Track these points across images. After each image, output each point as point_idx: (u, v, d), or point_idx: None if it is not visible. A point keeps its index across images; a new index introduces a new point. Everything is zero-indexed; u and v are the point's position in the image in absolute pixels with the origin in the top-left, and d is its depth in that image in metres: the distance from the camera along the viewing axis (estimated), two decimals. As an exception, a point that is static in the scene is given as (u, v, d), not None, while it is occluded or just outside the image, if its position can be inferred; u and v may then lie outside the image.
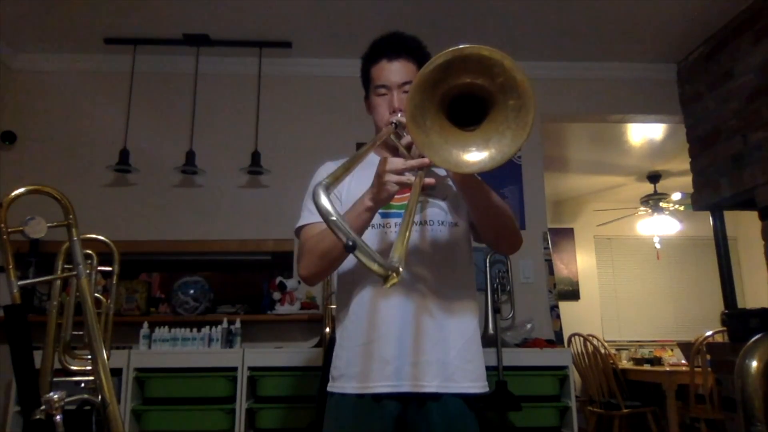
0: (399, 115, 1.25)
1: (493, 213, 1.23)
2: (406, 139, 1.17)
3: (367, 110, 1.40)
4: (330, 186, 0.80)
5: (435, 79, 0.92)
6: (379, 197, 1.09)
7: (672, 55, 3.35)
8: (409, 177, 1.07)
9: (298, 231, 1.32)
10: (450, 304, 1.25)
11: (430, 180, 1.10)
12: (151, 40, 3.13)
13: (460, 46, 0.90)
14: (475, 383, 1.23)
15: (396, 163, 1.07)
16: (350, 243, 0.74)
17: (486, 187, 1.21)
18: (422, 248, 1.26)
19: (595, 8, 2.89)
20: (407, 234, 0.90)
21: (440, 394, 1.19)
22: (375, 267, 0.76)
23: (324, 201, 0.76)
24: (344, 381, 1.23)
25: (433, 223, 1.29)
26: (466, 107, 0.97)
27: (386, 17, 2.90)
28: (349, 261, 1.31)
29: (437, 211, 1.30)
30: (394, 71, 1.29)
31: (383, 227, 1.29)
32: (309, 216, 1.30)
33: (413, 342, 1.21)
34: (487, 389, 1.25)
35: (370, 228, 1.28)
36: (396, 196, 1.30)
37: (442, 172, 1.31)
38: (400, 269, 0.79)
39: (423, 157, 1.05)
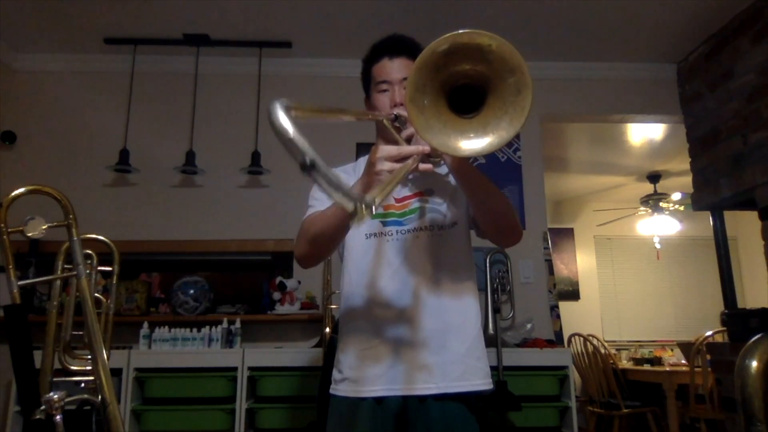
0: (400, 109, 1.25)
1: (492, 202, 1.22)
2: (407, 132, 1.17)
3: (367, 110, 1.41)
4: (290, 108, 0.71)
5: (436, 63, 0.92)
6: (370, 187, 1.03)
7: (672, 55, 3.35)
8: (398, 165, 1.01)
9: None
10: (452, 306, 1.25)
11: (426, 166, 1.04)
12: (151, 40, 3.13)
13: (459, 32, 0.89)
14: (484, 380, 1.24)
15: (389, 149, 1.03)
16: (308, 162, 0.62)
17: (483, 175, 1.20)
18: (422, 254, 1.26)
19: (595, 8, 2.89)
20: (393, 185, 0.83)
21: (444, 394, 1.19)
22: (338, 196, 0.65)
23: (281, 116, 0.66)
24: (346, 384, 1.24)
25: (433, 229, 1.29)
26: (466, 99, 0.97)
27: (386, 17, 2.90)
28: (353, 264, 1.31)
29: (436, 216, 1.30)
30: (395, 68, 1.31)
31: (382, 235, 1.29)
32: (309, 210, 1.32)
33: (416, 346, 1.21)
34: (492, 386, 1.27)
35: (367, 237, 1.29)
36: (396, 204, 1.31)
37: (442, 171, 1.31)
38: (373, 206, 0.68)
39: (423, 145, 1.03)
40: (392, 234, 1.28)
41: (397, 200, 1.32)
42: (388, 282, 1.25)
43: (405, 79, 1.29)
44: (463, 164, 1.14)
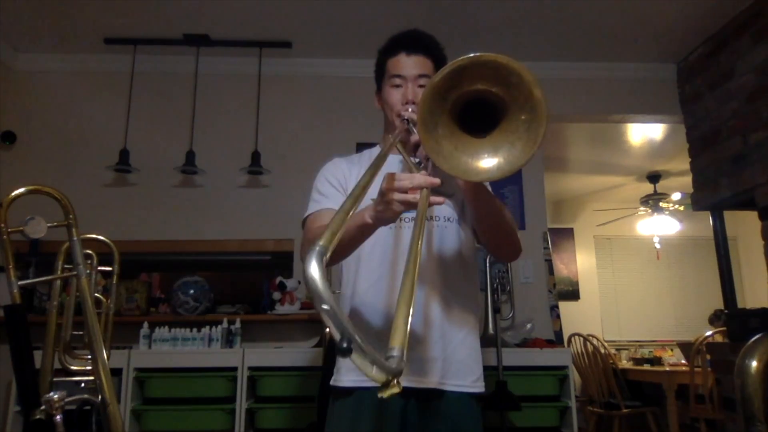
0: (410, 109, 1.24)
1: (496, 222, 1.22)
2: (415, 137, 1.16)
3: (377, 103, 1.40)
4: (326, 250, 0.67)
5: (449, 84, 0.91)
6: (383, 216, 1.02)
7: (672, 55, 3.35)
8: (414, 196, 0.98)
9: (304, 222, 1.31)
10: (455, 301, 1.25)
11: (437, 199, 1.01)
12: (151, 40, 3.13)
13: (478, 54, 0.88)
14: (478, 382, 1.25)
15: (402, 181, 0.99)
16: (344, 345, 0.58)
17: (492, 195, 1.20)
18: (427, 245, 1.25)
19: (595, 9, 2.88)
20: (411, 300, 0.72)
21: (447, 391, 1.19)
22: (372, 374, 0.62)
23: (316, 276, 0.61)
24: (350, 374, 1.22)
25: (439, 219, 1.28)
26: (477, 112, 0.96)
27: (386, 18, 2.90)
28: (352, 259, 1.29)
29: (444, 207, 1.29)
30: (412, 64, 1.29)
31: (397, 221, 1.24)
32: (315, 204, 1.29)
33: (419, 338, 1.20)
34: (484, 389, 1.26)
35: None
36: None
37: None
38: (402, 367, 0.64)
39: (429, 159, 1.02)
40: (407, 221, 1.26)
41: None
42: (394, 271, 1.22)
43: (420, 76, 1.28)
44: (476, 185, 1.13)
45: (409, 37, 1.33)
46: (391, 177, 1.00)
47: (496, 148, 0.94)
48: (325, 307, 0.59)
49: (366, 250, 1.24)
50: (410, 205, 0.99)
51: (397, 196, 0.98)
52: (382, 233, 1.24)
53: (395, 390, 0.63)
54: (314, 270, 0.62)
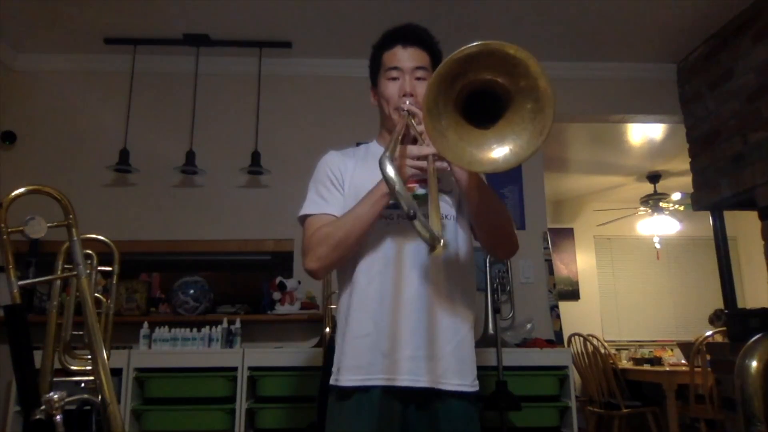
0: (408, 102, 1.24)
1: (494, 217, 1.22)
2: (419, 128, 1.17)
3: (372, 99, 1.39)
4: (392, 157, 0.95)
5: (454, 72, 0.90)
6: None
7: (672, 55, 3.35)
8: (423, 163, 1.12)
9: (303, 219, 1.30)
10: (455, 299, 1.25)
11: (442, 164, 1.12)
12: (151, 40, 3.13)
13: (486, 42, 0.87)
14: (475, 381, 1.25)
15: (411, 150, 1.13)
16: (412, 212, 0.89)
17: (490, 189, 1.20)
18: None
19: (595, 8, 2.88)
20: (438, 207, 1.00)
21: (447, 390, 1.19)
22: (428, 236, 0.90)
23: (390, 171, 0.90)
24: (350, 373, 1.21)
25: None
26: (482, 103, 0.95)
27: (386, 17, 2.88)
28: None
29: (443, 204, 1.28)
30: (408, 56, 1.30)
31: (389, 218, 1.26)
32: (316, 206, 1.28)
33: (419, 336, 1.20)
34: (478, 388, 1.26)
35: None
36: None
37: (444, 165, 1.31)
38: (442, 240, 0.91)
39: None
40: (393, 218, 1.25)
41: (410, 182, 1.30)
42: (393, 270, 1.22)
43: (417, 68, 1.28)
44: (474, 178, 1.13)
45: (404, 29, 1.34)
46: (401, 149, 1.16)
47: (502, 139, 0.93)
48: (398, 188, 0.91)
49: (364, 244, 1.25)
50: (420, 170, 1.13)
51: (409, 162, 1.13)
52: (380, 228, 1.24)
53: (440, 251, 0.91)
54: (388, 166, 0.92)
